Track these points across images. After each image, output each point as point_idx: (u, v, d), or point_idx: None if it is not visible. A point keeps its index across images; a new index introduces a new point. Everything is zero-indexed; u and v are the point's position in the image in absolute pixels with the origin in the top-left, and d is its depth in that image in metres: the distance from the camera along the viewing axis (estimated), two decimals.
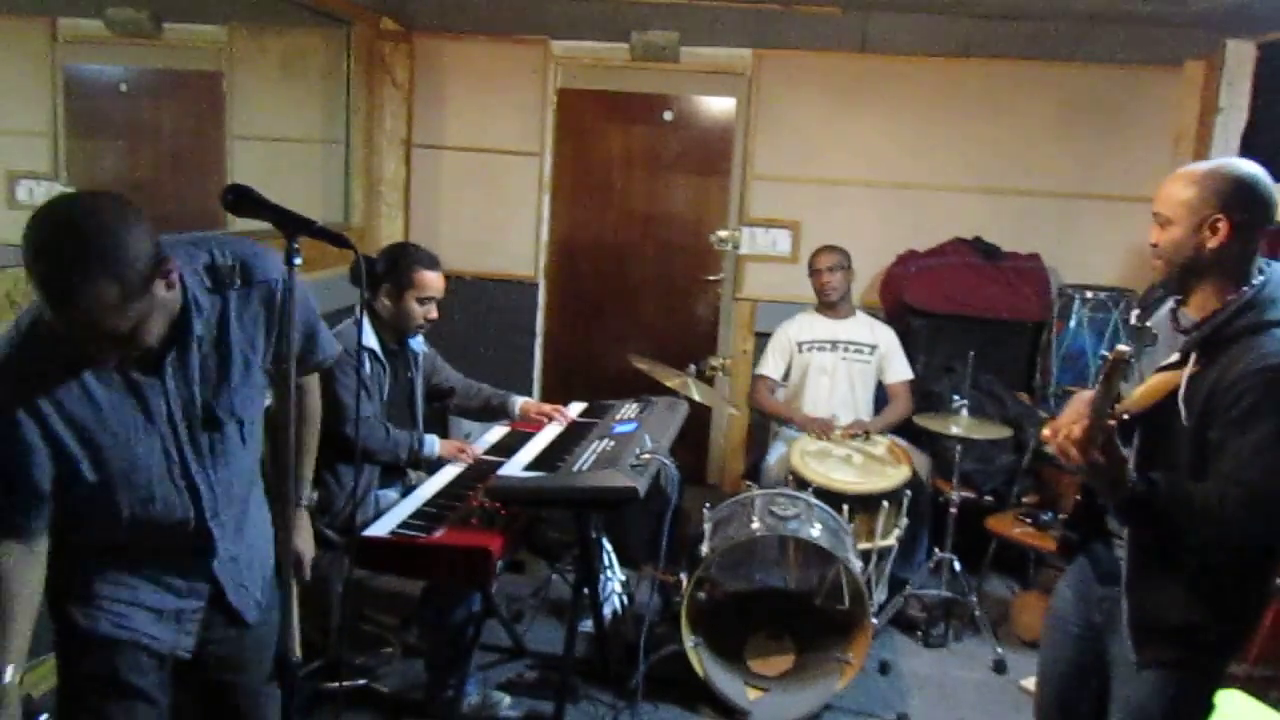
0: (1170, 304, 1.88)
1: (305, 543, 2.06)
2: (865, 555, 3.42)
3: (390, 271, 2.93)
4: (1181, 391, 1.69)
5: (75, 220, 1.41)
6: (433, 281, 2.95)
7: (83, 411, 1.51)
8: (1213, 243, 1.71)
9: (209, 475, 1.66)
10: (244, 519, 1.79)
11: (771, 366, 4.18)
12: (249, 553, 1.80)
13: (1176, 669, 1.78)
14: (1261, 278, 1.73)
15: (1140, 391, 1.76)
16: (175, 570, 1.70)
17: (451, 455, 3.03)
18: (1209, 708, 1.83)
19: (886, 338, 4.18)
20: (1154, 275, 1.84)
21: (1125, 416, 1.70)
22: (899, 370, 4.17)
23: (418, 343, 3.13)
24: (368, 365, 2.89)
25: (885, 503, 3.44)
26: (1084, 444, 1.62)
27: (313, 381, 2.00)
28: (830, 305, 4.13)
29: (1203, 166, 1.77)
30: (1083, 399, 1.94)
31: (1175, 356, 1.73)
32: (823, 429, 3.86)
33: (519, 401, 3.29)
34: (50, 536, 1.61)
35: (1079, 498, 1.91)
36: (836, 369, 4.11)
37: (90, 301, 1.38)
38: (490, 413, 3.33)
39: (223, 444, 1.67)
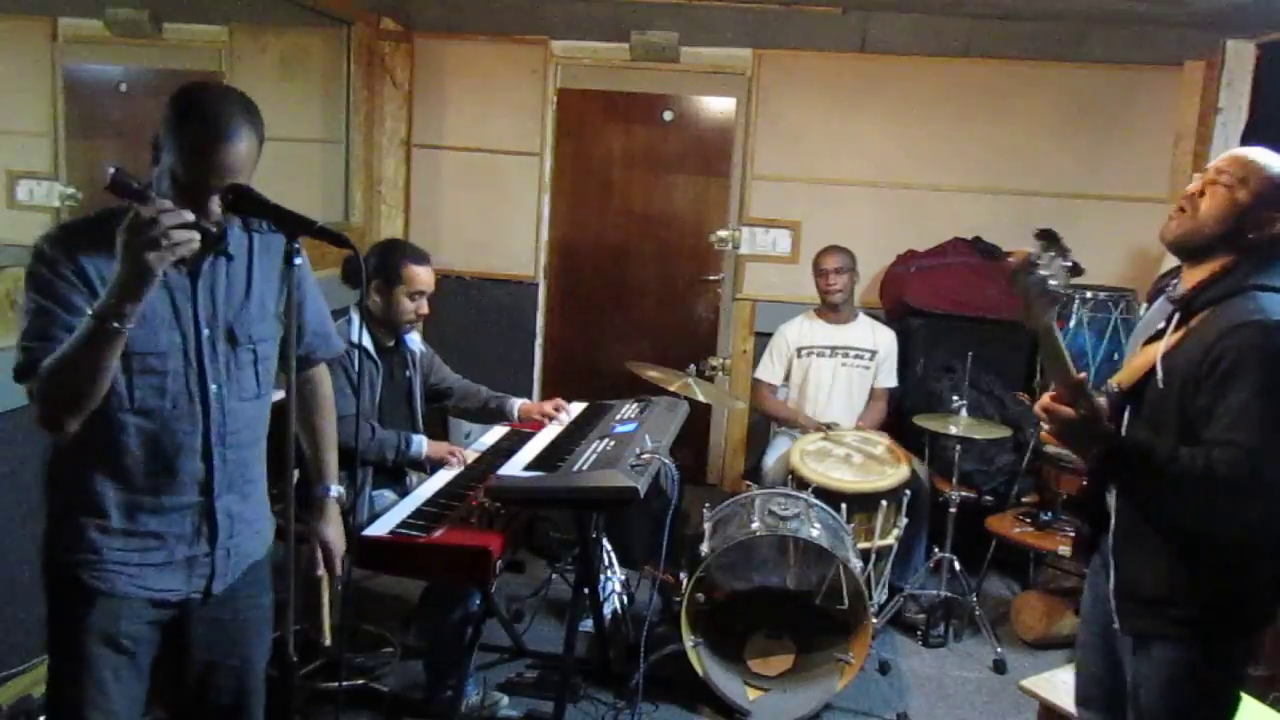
0: (1162, 301, 1.88)
1: (336, 535, 2.07)
2: (865, 555, 3.42)
3: (379, 268, 2.93)
4: (1160, 351, 1.70)
5: (230, 87, 1.70)
6: (421, 276, 2.95)
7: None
8: (1262, 232, 1.70)
9: (221, 394, 1.72)
10: (248, 486, 1.82)
11: (770, 371, 4.18)
12: (245, 527, 1.82)
13: (1166, 651, 1.75)
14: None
15: (1131, 365, 1.75)
16: (180, 510, 1.72)
17: (441, 457, 3.01)
18: (1223, 702, 1.79)
19: (887, 343, 4.18)
20: (1172, 226, 1.77)
21: (1117, 388, 1.69)
22: (886, 377, 4.19)
23: (415, 342, 3.12)
24: (357, 363, 2.88)
25: (884, 502, 3.43)
26: (1061, 404, 1.62)
27: (323, 371, 2.08)
28: (833, 308, 4.12)
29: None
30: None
31: (1160, 325, 1.73)
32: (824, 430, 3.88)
33: (517, 404, 3.28)
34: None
35: (1085, 484, 1.90)
36: (836, 374, 4.11)
37: (240, 141, 1.59)
38: (488, 414, 3.32)
39: (237, 368, 1.75)
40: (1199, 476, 1.60)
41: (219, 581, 1.79)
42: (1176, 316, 1.72)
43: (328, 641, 1.89)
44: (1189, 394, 1.66)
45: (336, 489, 2.10)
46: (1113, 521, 1.80)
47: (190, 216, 1.48)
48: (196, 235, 1.50)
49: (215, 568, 1.78)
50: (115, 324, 1.48)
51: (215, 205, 1.63)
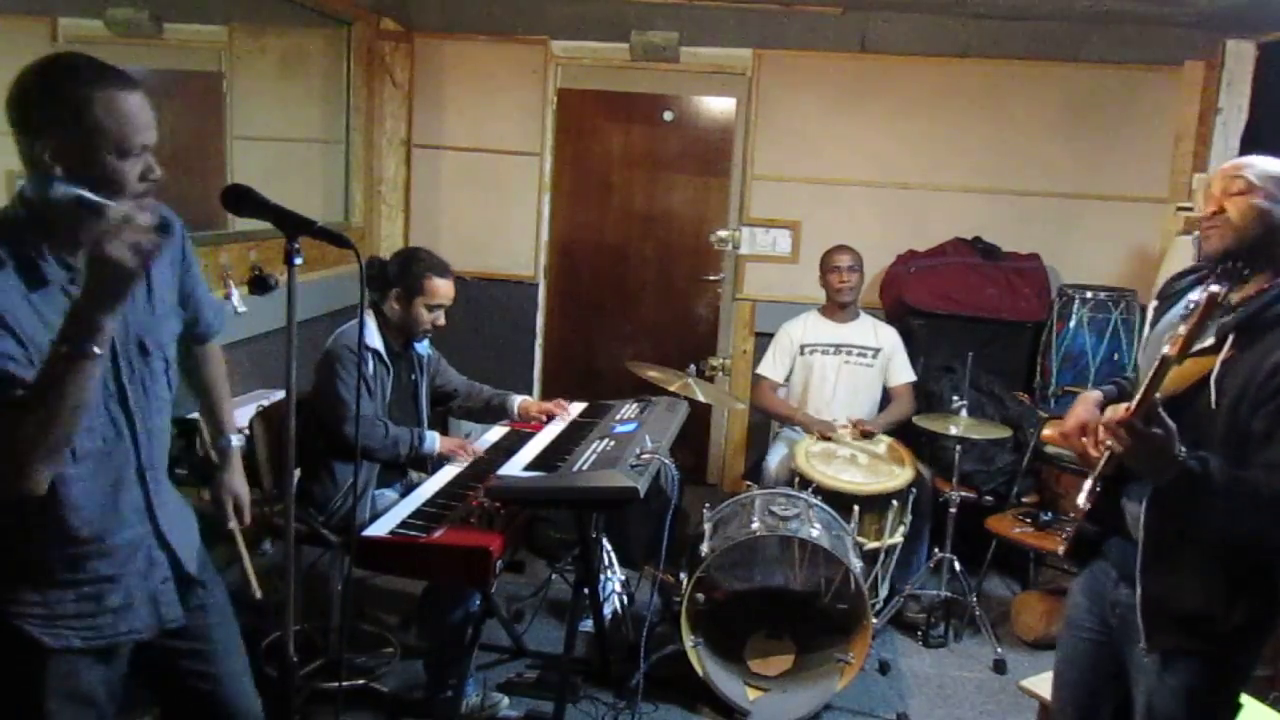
0: (1197, 293, 1.85)
1: (242, 485, 2.03)
2: (873, 554, 3.43)
3: (401, 276, 2.96)
4: (1214, 373, 1.68)
5: (82, 54, 1.52)
6: (443, 289, 2.99)
7: (31, 325, 1.45)
8: None
9: (144, 413, 1.63)
10: (168, 483, 1.75)
11: (773, 367, 4.17)
12: (184, 524, 1.77)
13: (1193, 665, 1.75)
14: None
15: (1172, 375, 1.71)
16: (127, 546, 1.64)
17: (452, 452, 3.03)
18: (1234, 708, 1.81)
19: (890, 340, 4.17)
20: (1214, 240, 1.77)
21: (1158, 397, 1.67)
22: (902, 372, 4.17)
23: (423, 345, 3.15)
24: (371, 364, 2.91)
25: (894, 502, 3.44)
26: (1137, 420, 1.58)
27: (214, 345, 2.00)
28: (842, 306, 4.12)
29: None
30: (1089, 399, 1.93)
31: (1210, 340, 1.71)
32: (825, 430, 3.86)
33: (518, 400, 3.30)
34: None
35: (1097, 488, 1.88)
36: (839, 372, 4.10)
37: (139, 96, 1.49)
38: (491, 413, 3.34)
39: (151, 380, 1.65)
40: (1261, 503, 1.61)
41: (213, 586, 1.80)
42: (1232, 335, 1.70)
43: (258, 594, 1.87)
44: (1242, 413, 1.66)
45: (237, 439, 2.01)
46: (1141, 538, 1.77)
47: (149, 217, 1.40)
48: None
49: (196, 574, 1.75)
50: (95, 348, 1.36)
51: (137, 182, 1.52)
